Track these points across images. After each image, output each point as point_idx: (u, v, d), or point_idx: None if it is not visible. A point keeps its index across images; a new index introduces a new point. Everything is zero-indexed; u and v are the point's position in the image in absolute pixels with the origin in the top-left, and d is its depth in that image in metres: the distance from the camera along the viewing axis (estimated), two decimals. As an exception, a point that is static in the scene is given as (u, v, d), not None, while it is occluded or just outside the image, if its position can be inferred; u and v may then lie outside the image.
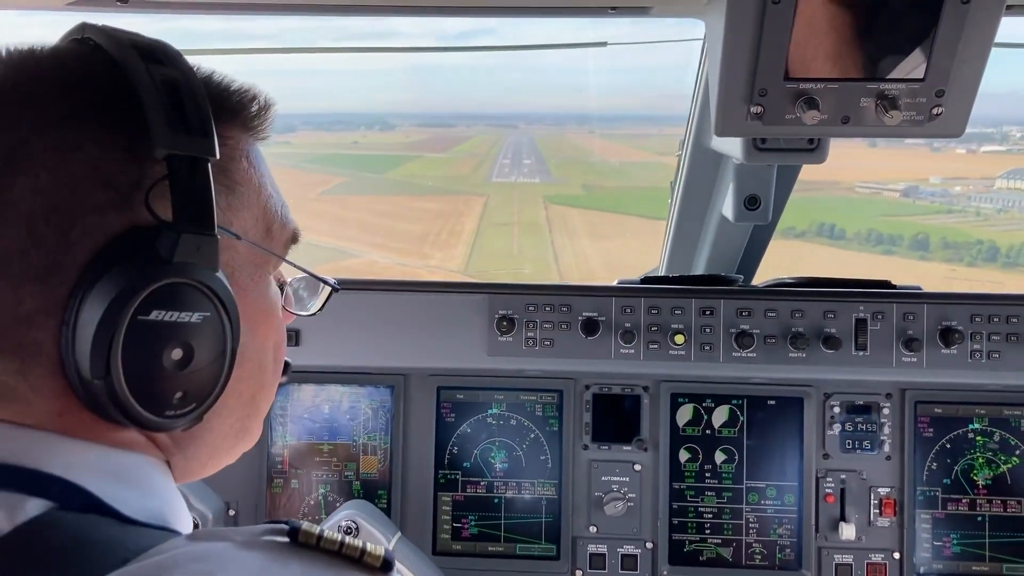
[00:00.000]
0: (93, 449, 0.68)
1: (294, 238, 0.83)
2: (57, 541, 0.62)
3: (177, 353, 0.66)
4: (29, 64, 0.68)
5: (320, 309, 0.93)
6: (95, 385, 0.63)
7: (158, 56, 0.69)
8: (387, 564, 0.67)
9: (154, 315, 0.64)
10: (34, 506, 0.63)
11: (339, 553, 0.66)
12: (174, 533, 0.69)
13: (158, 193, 0.65)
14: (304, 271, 0.87)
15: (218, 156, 0.68)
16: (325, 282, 0.91)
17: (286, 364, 0.88)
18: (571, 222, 17.72)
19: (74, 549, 0.61)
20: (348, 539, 0.67)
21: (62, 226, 0.63)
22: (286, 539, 0.66)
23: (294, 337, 1.88)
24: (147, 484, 0.71)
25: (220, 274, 0.69)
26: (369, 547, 0.67)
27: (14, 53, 0.69)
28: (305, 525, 0.67)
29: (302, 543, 0.66)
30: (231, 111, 0.76)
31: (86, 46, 0.71)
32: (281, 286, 0.86)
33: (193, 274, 0.66)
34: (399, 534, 1.82)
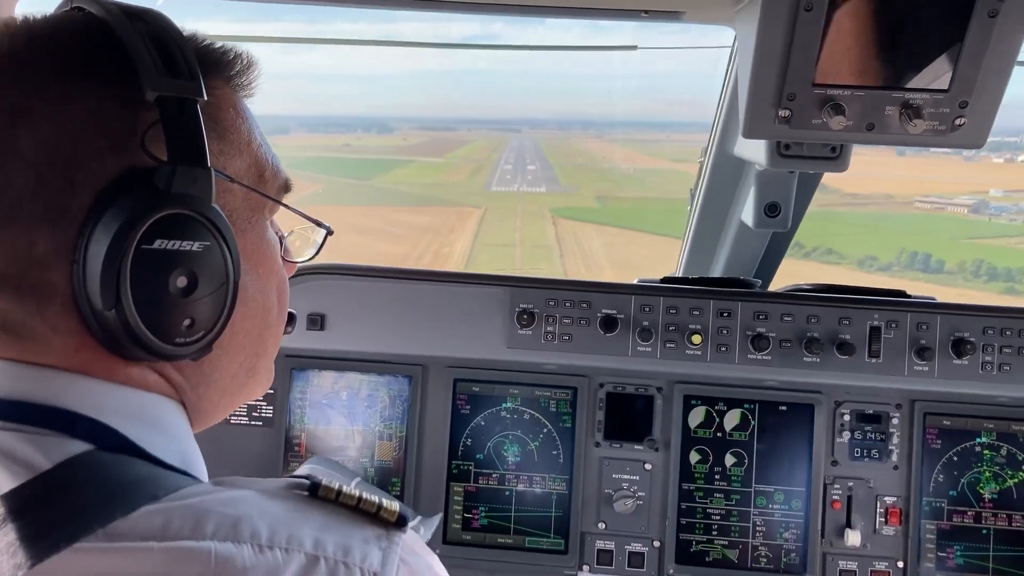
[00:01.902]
0: (116, 390, 0.72)
1: (286, 186, 0.87)
2: (96, 479, 0.65)
3: (182, 280, 0.70)
4: (24, 31, 0.73)
5: (317, 253, 0.96)
6: (107, 316, 0.67)
7: (143, 16, 0.73)
8: (402, 519, 0.70)
9: (157, 244, 0.68)
10: (75, 447, 0.66)
11: (357, 508, 0.70)
12: (195, 479, 0.73)
13: (154, 137, 0.69)
14: (299, 213, 0.91)
15: (205, 98, 0.72)
16: (320, 224, 0.94)
17: (292, 315, 0.92)
18: (588, 244, 15.67)
19: (112, 486, 0.65)
20: (366, 495, 0.71)
21: (66, 172, 0.67)
22: (307, 493, 0.70)
23: (319, 321, 1.92)
24: (169, 427, 0.75)
25: (216, 206, 0.72)
26: (385, 503, 0.70)
27: (11, 23, 0.73)
28: (325, 481, 0.71)
29: (322, 497, 0.70)
30: (214, 65, 0.80)
31: (76, 12, 0.76)
32: (281, 239, 0.89)
33: (191, 204, 0.70)
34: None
